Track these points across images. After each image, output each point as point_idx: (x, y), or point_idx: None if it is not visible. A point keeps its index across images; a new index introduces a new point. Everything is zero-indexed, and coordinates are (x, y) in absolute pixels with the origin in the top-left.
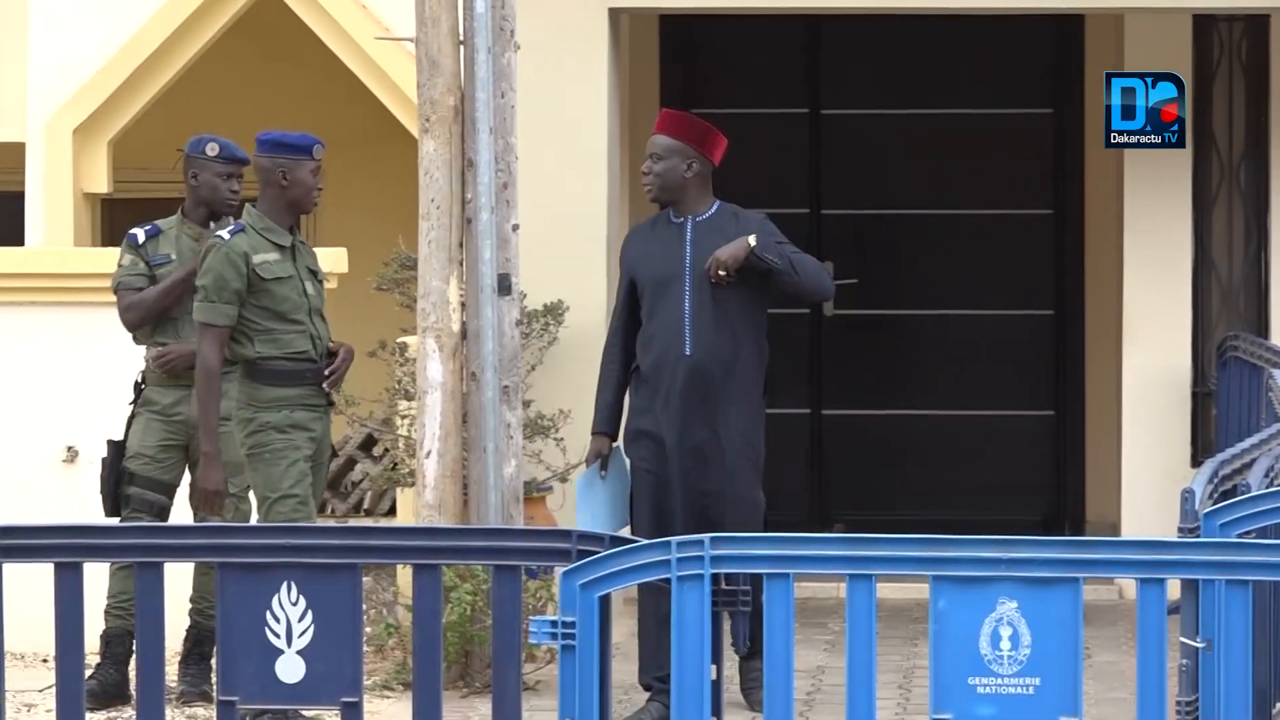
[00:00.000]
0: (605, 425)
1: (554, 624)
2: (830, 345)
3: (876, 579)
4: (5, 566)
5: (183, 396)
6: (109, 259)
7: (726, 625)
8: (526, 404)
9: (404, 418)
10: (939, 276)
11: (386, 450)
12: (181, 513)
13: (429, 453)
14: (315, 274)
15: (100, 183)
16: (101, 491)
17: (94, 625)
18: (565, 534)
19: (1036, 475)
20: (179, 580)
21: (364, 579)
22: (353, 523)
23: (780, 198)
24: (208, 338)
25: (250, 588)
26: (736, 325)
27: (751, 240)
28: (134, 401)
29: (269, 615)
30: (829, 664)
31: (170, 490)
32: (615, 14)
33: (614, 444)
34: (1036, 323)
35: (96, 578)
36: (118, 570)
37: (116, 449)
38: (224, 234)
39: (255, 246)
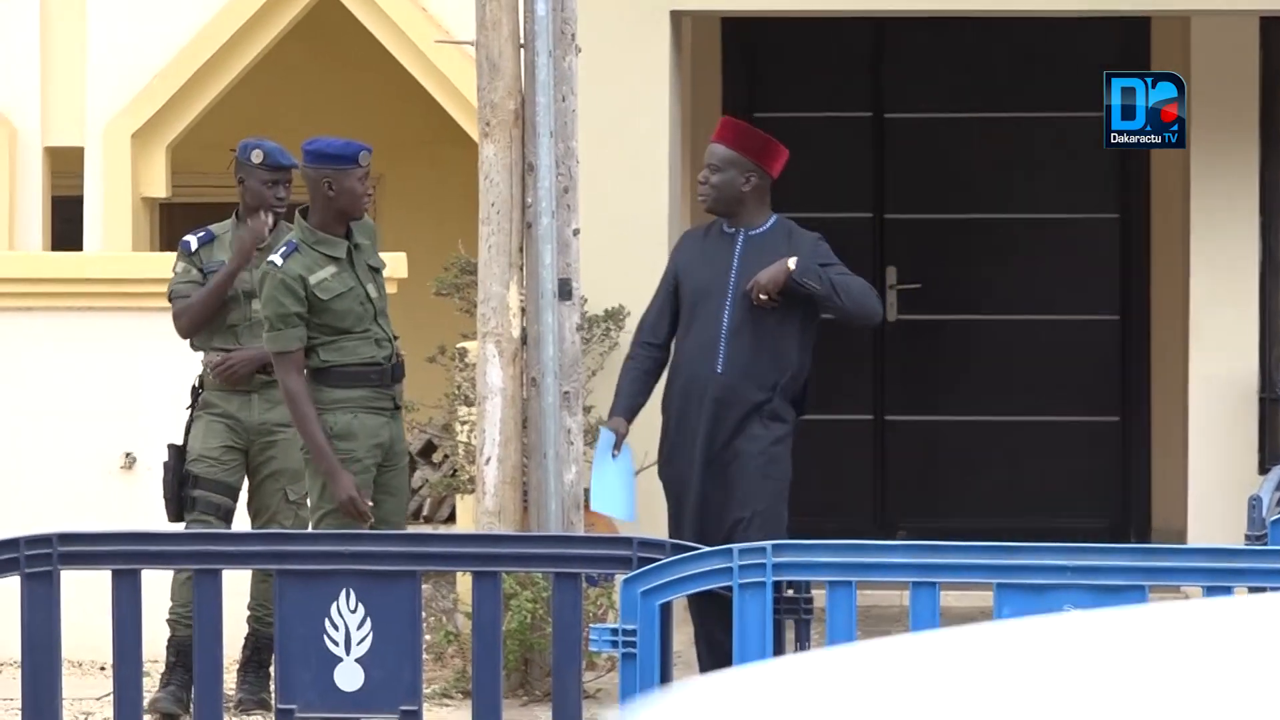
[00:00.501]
0: (624, 412)
1: (614, 632)
2: (893, 351)
3: (940, 586)
4: (63, 573)
5: (243, 402)
6: (167, 264)
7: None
8: (587, 410)
9: (464, 424)
10: (1003, 281)
11: (446, 456)
12: (244, 518)
13: (489, 459)
14: (377, 271)
15: (159, 187)
16: (165, 496)
17: (152, 632)
18: (626, 541)
19: (1102, 482)
20: (238, 587)
21: (423, 586)
22: (412, 530)
23: (843, 202)
24: (283, 365)
25: (309, 595)
26: (776, 347)
27: (791, 264)
28: (191, 406)
29: (328, 623)
30: None
31: (234, 492)
32: (677, 16)
33: (627, 432)
34: (1102, 327)
35: (155, 585)
36: (185, 580)
37: (178, 453)
38: (276, 259)
39: (310, 265)
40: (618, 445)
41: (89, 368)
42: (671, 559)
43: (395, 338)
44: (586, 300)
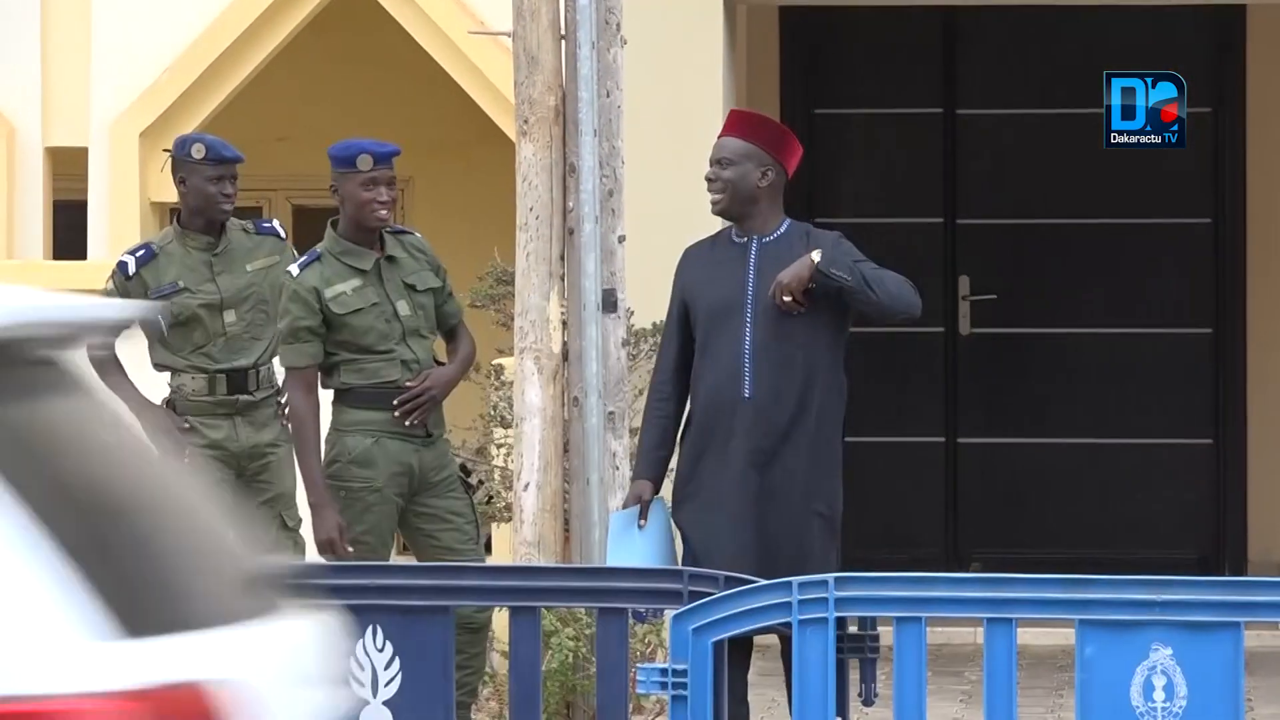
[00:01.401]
0: (647, 471)
1: (664, 672)
2: (966, 367)
3: (1017, 623)
4: None
5: (227, 427)
6: None
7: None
8: (633, 432)
9: (500, 446)
10: (1085, 291)
11: (480, 482)
12: None
13: (527, 485)
14: (415, 289)
15: (170, 191)
16: None
17: None
18: (676, 574)
19: (1193, 509)
20: None
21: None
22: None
23: (912, 206)
24: (292, 380)
25: None
26: (807, 362)
27: (815, 256)
28: None
29: (352, 663)
30: (965, 716)
31: None
32: (731, 5)
33: (658, 493)
34: (1193, 341)
35: None
36: None
37: None
38: (294, 269)
39: (330, 277)
40: (644, 513)
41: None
42: (726, 593)
43: (438, 362)
44: (633, 313)
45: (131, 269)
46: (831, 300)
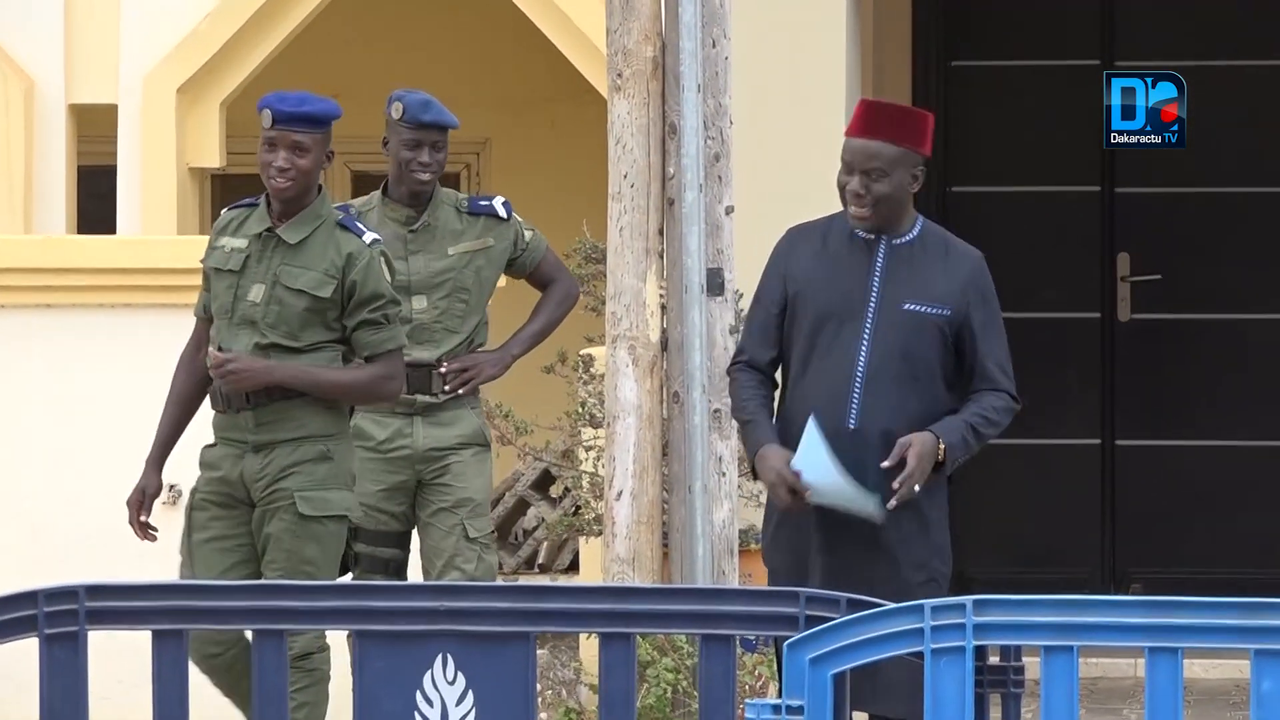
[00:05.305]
0: (774, 434)
1: (776, 709)
2: (1126, 358)
3: (1183, 653)
4: (91, 634)
5: (401, 428)
6: None
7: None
8: None
9: (589, 449)
10: (1262, 271)
11: (567, 490)
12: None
13: (620, 493)
14: (281, 282)
15: (210, 155)
16: None
17: (200, 705)
18: (791, 596)
19: None
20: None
21: (538, 651)
22: (524, 581)
23: (1063, 173)
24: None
25: (397, 662)
26: (933, 391)
27: (942, 449)
28: None
29: (419, 696)
30: None
31: (405, 540)
32: None
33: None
34: None
35: None
36: None
37: None
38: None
39: (226, 228)
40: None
41: (123, 378)
42: (848, 618)
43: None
44: (741, 295)
45: None
46: (955, 328)
